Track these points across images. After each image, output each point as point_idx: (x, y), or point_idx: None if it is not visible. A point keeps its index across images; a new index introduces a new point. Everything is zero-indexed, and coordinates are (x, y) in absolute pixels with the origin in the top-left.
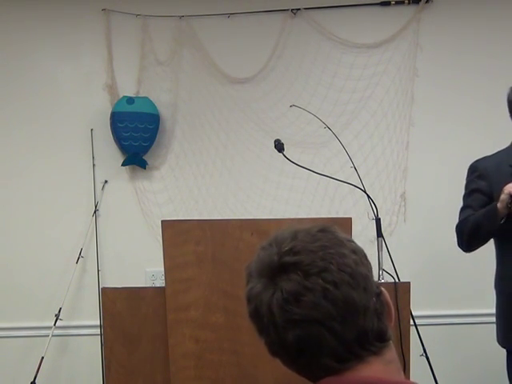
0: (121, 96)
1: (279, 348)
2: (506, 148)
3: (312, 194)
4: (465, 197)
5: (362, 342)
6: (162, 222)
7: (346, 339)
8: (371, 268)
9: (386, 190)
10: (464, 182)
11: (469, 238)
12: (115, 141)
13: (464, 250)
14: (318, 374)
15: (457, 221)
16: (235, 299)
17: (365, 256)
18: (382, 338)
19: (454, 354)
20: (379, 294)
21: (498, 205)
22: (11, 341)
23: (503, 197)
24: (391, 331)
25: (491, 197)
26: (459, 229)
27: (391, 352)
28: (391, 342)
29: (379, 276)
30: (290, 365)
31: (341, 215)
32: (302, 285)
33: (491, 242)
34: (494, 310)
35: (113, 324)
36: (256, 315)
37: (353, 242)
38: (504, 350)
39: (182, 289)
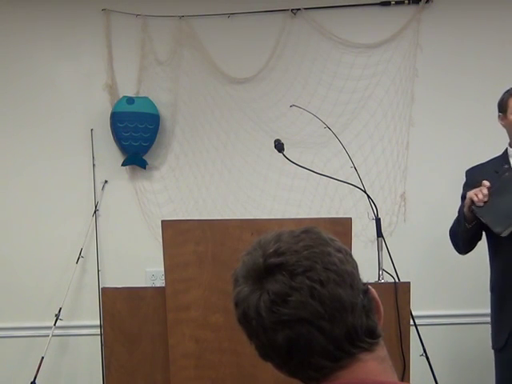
0: (121, 96)
1: (270, 350)
2: (499, 155)
3: (312, 194)
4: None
5: (352, 339)
6: (162, 221)
7: (335, 337)
8: (356, 266)
9: (386, 190)
10: (463, 181)
11: (453, 242)
12: (115, 141)
13: (458, 253)
14: (310, 374)
15: None
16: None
17: (350, 254)
18: (372, 335)
19: (454, 354)
20: (366, 291)
21: (464, 209)
22: (11, 341)
23: (466, 201)
24: (381, 328)
25: None
26: (449, 234)
27: (383, 349)
28: (382, 339)
29: (379, 276)
30: (281, 367)
31: (341, 215)
32: (289, 285)
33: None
34: None
35: (113, 324)
36: (244, 319)
37: (336, 240)
38: None
39: (181, 289)
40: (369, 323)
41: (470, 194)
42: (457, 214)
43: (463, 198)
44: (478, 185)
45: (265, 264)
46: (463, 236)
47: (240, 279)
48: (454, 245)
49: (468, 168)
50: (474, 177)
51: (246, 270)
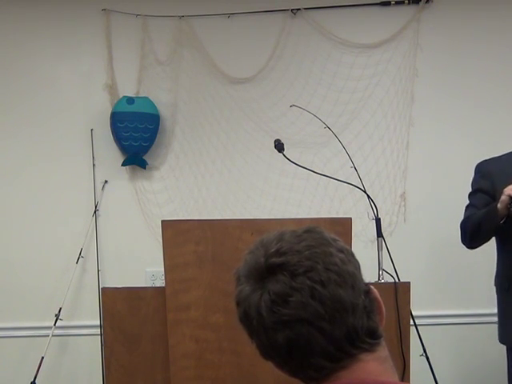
0: (121, 96)
1: (270, 350)
2: None
3: (312, 194)
4: (469, 196)
5: (353, 340)
6: (162, 221)
7: (335, 338)
8: (359, 266)
9: (386, 190)
10: (464, 181)
11: (471, 235)
12: (115, 141)
13: (467, 247)
14: (311, 374)
15: (459, 219)
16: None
17: (352, 254)
18: (372, 335)
19: (454, 354)
20: (368, 292)
21: (498, 205)
22: (11, 341)
23: (503, 198)
24: (382, 328)
25: (494, 197)
26: (463, 226)
27: (384, 349)
28: (383, 339)
29: (379, 276)
30: (282, 367)
31: (341, 215)
32: (289, 285)
33: (492, 240)
34: (493, 310)
35: (113, 324)
36: (245, 318)
37: (339, 240)
38: (503, 349)
39: (181, 289)
40: (370, 324)
41: (509, 191)
42: (463, 211)
43: (477, 191)
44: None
45: (266, 264)
46: (489, 232)
47: (242, 278)
48: (467, 239)
49: (479, 162)
50: (490, 169)
51: (248, 269)
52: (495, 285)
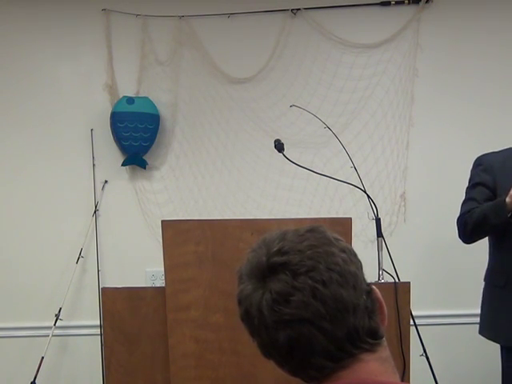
0: (121, 96)
1: (271, 349)
2: None
3: (312, 194)
4: (468, 189)
5: (353, 340)
6: (162, 221)
7: (336, 338)
8: (361, 266)
9: (386, 190)
10: (465, 181)
11: (472, 230)
12: (115, 141)
13: (464, 242)
14: (311, 373)
15: (457, 215)
16: (235, 299)
17: (354, 254)
18: (373, 335)
19: (454, 354)
20: (370, 292)
21: (507, 199)
22: (11, 341)
23: None
24: (384, 329)
25: (495, 191)
26: (462, 220)
27: (385, 350)
28: (384, 339)
29: (379, 276)
30: (283, 366)
31: (341, 215)
32: (291, 285)
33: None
34: None
35: (113, 324)
36: (247, 317)
37: (341, 240)
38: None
39: (181, 289)
40: (371, 324)
41: None
42: (459, 209)
43: (477, 185)
44: None
45: (268, 263)
46: (495, 227)
47: (244, 277)
48: (467, 234)
49: (479, 155)
50: (492, 163)
51: (250, 267)
52: (485, 280)
